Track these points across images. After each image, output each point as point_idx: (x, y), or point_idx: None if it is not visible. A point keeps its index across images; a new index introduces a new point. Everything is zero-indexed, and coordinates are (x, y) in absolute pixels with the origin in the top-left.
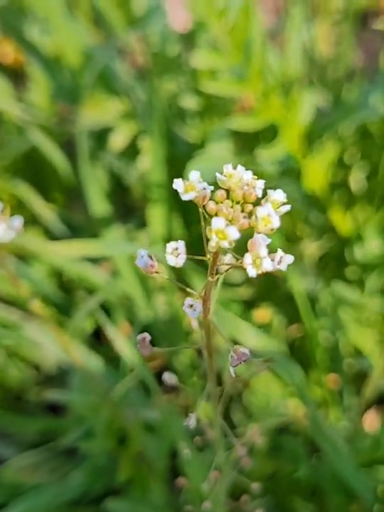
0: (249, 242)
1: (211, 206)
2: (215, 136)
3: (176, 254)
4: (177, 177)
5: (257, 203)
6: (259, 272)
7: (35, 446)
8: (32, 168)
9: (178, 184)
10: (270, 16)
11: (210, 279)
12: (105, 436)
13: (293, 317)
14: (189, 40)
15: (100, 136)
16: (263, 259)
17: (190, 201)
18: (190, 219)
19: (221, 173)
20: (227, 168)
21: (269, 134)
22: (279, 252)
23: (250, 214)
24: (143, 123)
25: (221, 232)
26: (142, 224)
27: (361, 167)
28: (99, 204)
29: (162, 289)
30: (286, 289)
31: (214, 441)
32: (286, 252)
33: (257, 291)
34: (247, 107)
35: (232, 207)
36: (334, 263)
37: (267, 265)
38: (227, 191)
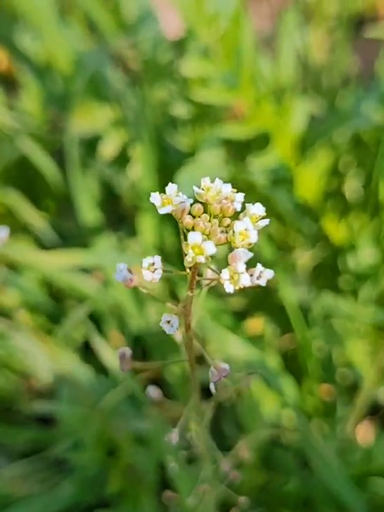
0: (230, 255)
1: (187, 220)
2: (207, 144)
3: (153, 269)
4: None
5: (235, 216)
6: (237, 287)
7: (27, 456)
8: (24, 176)
9: (154, 198)
10: (265, 22)
11: (189, 293)
12: (95, 447)
13: (286, 327)
14: (181, 47)
15: (92, 144)
16: (241, 275)
17: None
18: None
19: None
20: (205, 181)
21: (262, 142)
22: (259, 267)
23: (228, 228)
24: (134, 131)
25: (198, 246)
26: (134, 232)
27: (356, 175)
28: (89, 213)
29: (154, 299)
30: (279, 298)
31: (201, 455)
32: (278, 261)
33: (249, 301)
34: (239, 115)
35: (209, 221)
36: (327, 272)
37: (245, 281)
38: (206, 205)
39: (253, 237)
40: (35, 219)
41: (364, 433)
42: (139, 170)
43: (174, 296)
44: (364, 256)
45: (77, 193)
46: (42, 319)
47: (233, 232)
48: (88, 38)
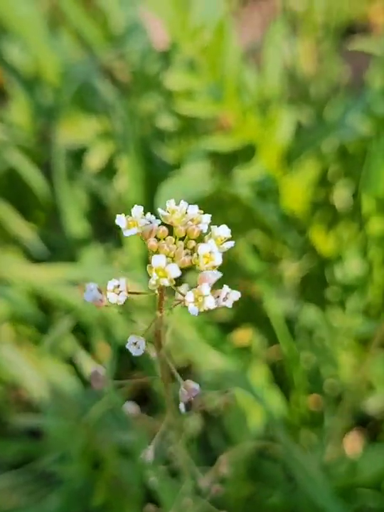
0: (200, 276)
1: (152, 243)
2: (192, 156)
3: (118, 291)
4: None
5: (201, 238)
6: (201, 310)
7: (16, 467)
8: (13, 187)
9: (120, 220)
10: (257, 31)
11: (158, 314)
12: (80, 460)
13: (274, 337)
14: (168, 58)
15: (80, 156)
16: (206, 297)
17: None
18: None
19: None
20: (170, 204)
21: (248, 153)
22: (225, 288)
23: (193, 250)
24: (121, 142)
25: (161, 269)
26: (121, 243)
27: (345, 185)
28: (76, 224)
29: (141, 310)
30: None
31: (182, 470)
32: (264, 273)
33: (236, 312)
34: (226, 127)
35: (175, 243)
36: (315, 284)
37: (210, 303)
38: (171, 227)
39: (217, 260)
40: (24, 231)
41: (352, 444)
42: (126, 182)
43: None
44: (351, 267)
45: (65, 205)
46: (31, 331)
47: (197, 255)
48: (77, 50)
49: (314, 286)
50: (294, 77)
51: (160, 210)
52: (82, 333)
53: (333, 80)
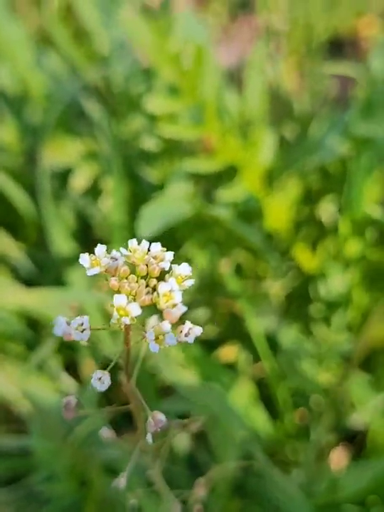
0: (164, 312)
1: (113, 283)
2: (175, 177)
3: (81, 329)
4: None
5: (162, 276)
6: (162, 346)
7: (9, 483)
8: (2, 206)
9: (83, 259)
10: (247, 46)
11: (125, 347)
12: (68, 478)
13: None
14: (151, 80)
15: (66, 176)
16: (166, 335)
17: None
18: None
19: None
20: (132, 243)
21: (231, 174)
22: (188, 324)
23: (155, 288)
24: (105, 163)
25: (123, 309)
26: None
27: (329, 200)
28: (63, 244)
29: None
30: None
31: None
32: (246, 292)
33: (223, 329)
34: (208, 148)
35: (137, 281)
36: (299, 301)
37: (171, 341)
38: (134, 265)
39: (177, 299)
40: (13, 250)
41: (338, 459)
42: (111, 202)
43: None
44: (334, 284)
45: (50, 225)
46: (19, 348)
47: (157, 293)
48: (64, 70)
49: (298, 303)
50: (277, 95)
51: (122, 250)
52: (70, 349)
53: (319, 95)
